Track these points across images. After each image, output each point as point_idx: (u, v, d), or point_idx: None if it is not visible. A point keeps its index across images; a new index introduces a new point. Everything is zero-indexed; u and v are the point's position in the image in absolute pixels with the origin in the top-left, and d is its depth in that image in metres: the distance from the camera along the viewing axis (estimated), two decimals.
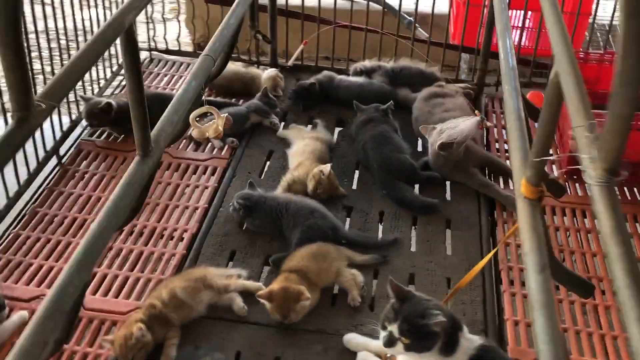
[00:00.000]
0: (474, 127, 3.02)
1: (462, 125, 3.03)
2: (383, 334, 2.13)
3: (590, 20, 4.06)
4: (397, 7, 4.14)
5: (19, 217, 2.92)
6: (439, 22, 4.14)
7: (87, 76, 3.46)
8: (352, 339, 2.39)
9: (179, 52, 4.16)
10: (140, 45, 3.73)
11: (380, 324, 2.18)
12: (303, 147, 3.24)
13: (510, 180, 3.19)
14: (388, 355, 2.27)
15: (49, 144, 3.17)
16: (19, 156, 2.65)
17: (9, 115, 2.59)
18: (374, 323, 2.44)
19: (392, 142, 3.26)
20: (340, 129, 3.64)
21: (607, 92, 1.36)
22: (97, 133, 3.45)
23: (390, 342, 2.09)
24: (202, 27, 4.58)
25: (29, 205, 2.98)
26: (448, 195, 3.17)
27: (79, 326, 2.42)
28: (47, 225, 2.88)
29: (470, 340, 2.16)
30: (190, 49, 4.77)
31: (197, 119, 2.93)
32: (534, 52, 4.04)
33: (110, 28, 1.95)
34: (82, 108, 3.39)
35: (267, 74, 3.81)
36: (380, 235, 2.91)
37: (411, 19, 4.32)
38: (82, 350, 2.34)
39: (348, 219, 2.99)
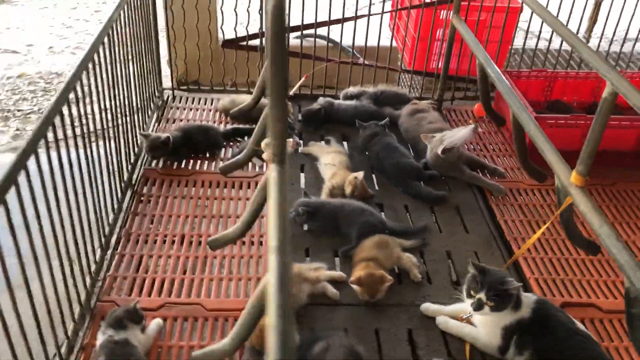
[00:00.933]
0: (471, 134, 3.17)
1: (460, 133, 3.17)
2: (470, 301, 2.22)
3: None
4: (347, 44, 4.26)
5: (117, 240, 2.75)
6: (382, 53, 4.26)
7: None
8: (428, 307, 2.46)
9: (198, 90, 4.01)
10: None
11: (466, 293, 2.27)
12: (332, 160, 3.25)
13: (486, 171, 3.38)
14: (463, 316, 2.37)
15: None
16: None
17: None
18: (434, 294, 2.56)
19: (399, 150, 3.35)
20: (345, 142, 3.68)
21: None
22: (155, 162, 3.30)
23: (479, 306, 2.18)
24: (182, 66, 4.36)
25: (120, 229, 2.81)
26: (448, 188, 3.30)
27: (204, 324, 2.34)
28: (142, 244, 2.73)
29: (528, 296, 2.30)
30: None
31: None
32: (468, 72, 4.26)
33: None
34: (143, 143, 3.23)
35: None
36: (411, 224, 2.99)
37: (355, 51, 4.42)
38: (206, 342, 2.26)
39: (382, 214, 3.04)
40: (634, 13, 4.44)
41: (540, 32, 4.29)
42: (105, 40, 2.52)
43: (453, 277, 2.69)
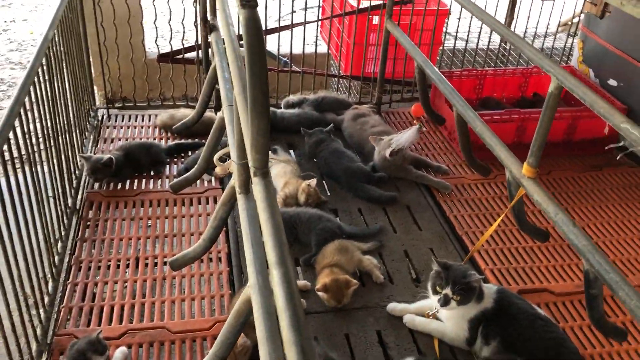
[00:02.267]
0: (417, 134, 3.25)
1: (406, 134, 3.24)
2: (437, 297, 2.27)
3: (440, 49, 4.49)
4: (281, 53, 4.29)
5: (67, 269, 2.61)
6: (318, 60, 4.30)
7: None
8: (394, 307, 2.49)
9: (134, 107, 3.88)
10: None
11: (432, 290, 2.32)
12: (282, 170, 3.24)
13: (430, 170, 3.48)
14: (429, 313, 2.42)
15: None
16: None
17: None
18: (398, 293, 2.60)
19: (347, 155, 3.39)
20: (292, 151, 3.68)
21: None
22: (98, 185, 3.16)
23: (446, 302, 2.24)
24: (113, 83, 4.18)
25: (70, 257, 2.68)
26: (397, 189, 3.36)
27: (171, 348, 2.27)
28: (94, 270, 2.61)
29: (489, 287, 2.38)
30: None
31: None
32: (403, 75, 4.37)
33: None
34: (84, 166, 3.09)
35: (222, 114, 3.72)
36: (367, 226, 3.03)
37: (287, 60, 4.44)
38: None
39: (338, 219, 3.06)
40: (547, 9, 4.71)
41: (468, 32, 4.47)
42: (44, 60, 2.39)
43: (413, 275, 2.75)
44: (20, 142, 2.21)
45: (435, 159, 3.64)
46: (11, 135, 2.00)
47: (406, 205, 3.21)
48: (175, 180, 2.83)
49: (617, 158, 2.71)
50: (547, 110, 2.07)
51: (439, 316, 2.40)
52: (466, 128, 2.88)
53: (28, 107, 2.22)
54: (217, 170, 2.81)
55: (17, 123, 2.05)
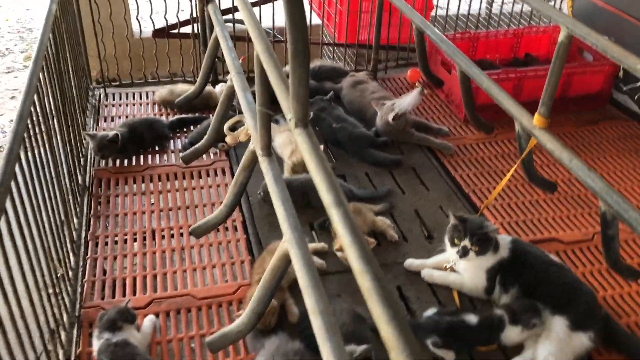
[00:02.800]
0: (419, 98, 3.28)
1: (408, 98, 3.27)
2: (455, 249, 2.34)
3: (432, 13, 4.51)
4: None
5: (84, 245, 2.62)
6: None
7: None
8: (412, 263, 2.55)
9: (131, 84, 3.85)
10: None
11: (450, 242, 2.38)
12: (287, 139, 3.26)
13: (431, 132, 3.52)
14: (446, 266, 2.48)
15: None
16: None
17: None
18: (412, 251, 2.66)
19: (349, 121, 3.41)
20: None
21: None
22: (104, 162, 3.16)
23: (465, 252, 2.31)
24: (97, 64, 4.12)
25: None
26: (401, 152, 3.41)
27: (198, 314, 2.31)
28: (112, 244, 2.62)
29: (503, 238, 2.45)
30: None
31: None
32: (398, 40, 4.39)
33: None
34: (89, 144, 3.08)
35: (221, 88, 3.72)
36: (375, 189, 3.07)
37: (275, 32, 4.42)
38: (205, 331, 2.24)
39: (346, 184, 3.10)
40: None
41: None
42: (50, 36, 2.37)
43: (425, 233, 2.81)
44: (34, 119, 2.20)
45: (434, 122, 3.68)
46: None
47: (411, 167, 3.26)
48: (186, 152, 2.83)
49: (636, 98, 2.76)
50: (557, 60, 2.12)
51: (457, 269, 2.46)
52: (470, 86, 2.93)
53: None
54: (228, 139, 2.83)
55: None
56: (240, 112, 2.71)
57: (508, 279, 2.35)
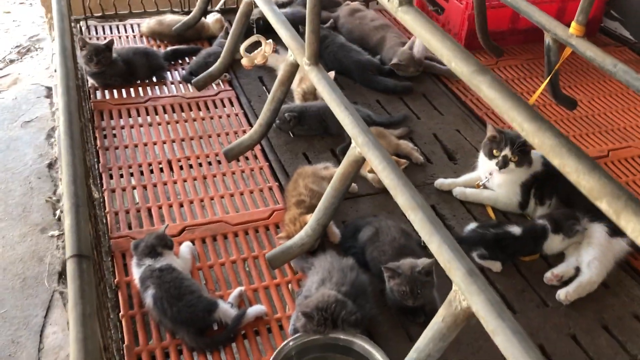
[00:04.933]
0: None
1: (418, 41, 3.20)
2: (494, 161, 2.33)
3: None
4: None
5: (97, 178, 2.47)
6: None
7: None
8: (443, 182, 2.54)
9: (115, 15, 3.60)
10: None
11: (488, 155, 2.37)
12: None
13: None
14: (480, 183, 2.49)
15: None
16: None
17: None
18: (438, 171, 2.65)
19: (354, 49, 3.33)
20: None
21: None
22: (100, 95, 2.96)
23: (505, 163, 2.31)
24: None
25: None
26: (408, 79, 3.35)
27: (236, 239, 2.23)
28: (127, 176, 2.48)
29: (535, 153, 2.47)
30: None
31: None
32: None
33: None
34: (82, 52, 2.88)
35: (213, 18, 3.55)
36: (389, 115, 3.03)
37: None
38: (246, 255, 2.17)
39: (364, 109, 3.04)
40: None
41: None
42: None
43: (446, 155, 2.80)
44: None
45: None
46: None
47: (422, 93, 3.22)
48: (198, 77, 2.68)
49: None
50: None
51: (489, 185, 2.47)
52: (484, 6, 2.89)
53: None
54: (244, 61, 2.71)
55: None
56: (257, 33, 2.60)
57: (544, 192, 2.38)
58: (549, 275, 2.14)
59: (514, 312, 2.04)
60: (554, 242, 2.22)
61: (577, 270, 2.15)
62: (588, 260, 2.15)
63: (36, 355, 2.21)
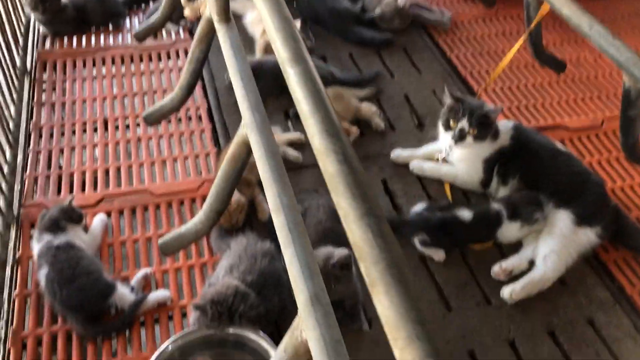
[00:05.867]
0: None
1: None
2: (450, 133, 2.06)
3: None
4: None
5: (26, 136, 2.32)
6: None
7: None
8: (400, 154, 2.29)
9: None
10: None
11: (444, 126, 2.10)
12: (259, 15, 2.87)
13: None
14: (439, 156, 2.22)
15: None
16: None
17: None
18: (401, 140, 2.39)
19: None
20: None
21: None
22: (49, 43, 2.78)
23: (461, 136, 2.03)
24: None
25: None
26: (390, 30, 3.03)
27: (157, 212, 2.06)
28: (58, 136, 2.32)
29: (504, 124, 2.18)
30: None
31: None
32: None
33: None
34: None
35: None
36: (360, 72, 2.74)
37: None
38: (163, 231, 1.99)
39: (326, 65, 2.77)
40: None
41: None
42: None
43: (415, 120, 2.52)
44: None
45: None
46: None
47: (402, 47, 2.91)
48: (139, 28, 2.46)
49: None
50: None
51: (450, 159, 2.20)
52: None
53: None
54: (187, 12, 2.47)
55: None
56: None
57: (508, 170, 2.10)
58: (496, 269, 1.90)
59: (449, 309, 1.83)
60: (509, 230, 1.97)
61: (532, 264, 1.90)
62: (545, 253, 1.90)
63: None
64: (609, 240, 2.01)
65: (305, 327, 1.00)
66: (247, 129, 1.37)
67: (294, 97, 0.87)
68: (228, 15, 1.67)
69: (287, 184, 1.23)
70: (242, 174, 1.56)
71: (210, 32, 1.83)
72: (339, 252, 1.68)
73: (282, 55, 0.92)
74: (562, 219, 1.95)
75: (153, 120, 2.02)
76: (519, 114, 2.53)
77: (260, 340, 1.59)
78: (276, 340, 1.59)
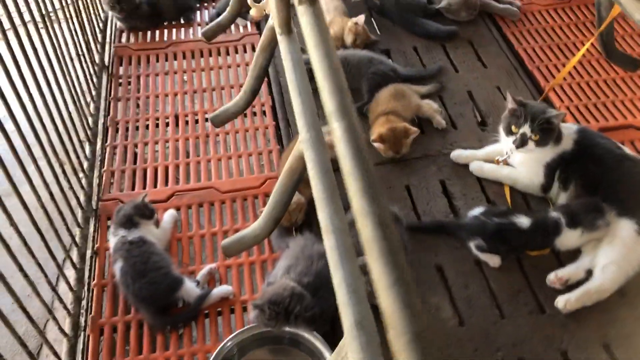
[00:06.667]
0: None
1: None
2: (512, 138, 2.05)
3: None
4: None
5: (104, 131, 2.48)
6: None
7: None
8: (460, 154, 2.29)
9: None
10: None
11: (505, 130, 2.09)
12: (325, 7, 2.90)
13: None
14: (499, 159, 2.20)
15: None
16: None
17: None
18: (462, 139, 2.38)
19: None
20: None
21: None
22: (125, 38, 2.93)
23: (523, 142, 2.02)
24: None
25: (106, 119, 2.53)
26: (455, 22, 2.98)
27: (222, 208, 2.17)
28: (133, 131, 2.47)
29: (568, 127, 2.13)
30: None
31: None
32: None
33: None
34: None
35: None
36: (424, 67, 2.73)
37: None
38: (228, 227, 2.10)
39: (391, 60, 2.77)
40: None
41: None
42: None
43: (478, 118, 2.50)
44: None
45: None
46: None
47: (468, 40, 2.86)
48: (207, 26, 2.55)
49: None
50: None
51: (511, 162, 2.18)
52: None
53: None
54: (253, 12, 2.52)
55: None
56: None
57: (570, 175, 2.06)
58: (552, 278, 1.90)
59: (502, 316, 1.85)
60: (569, 238, 1.94)
61: (590, 273, 1.88)
62: (604, 264, 1.86)
63: None
64: None
65: (350, 351, 1.06)
66: (304, 145, 1.42)
67: (337, 150, 0.92)
68: (290, 27, 1.71)
69: (339, 205, 1.28)
70: (301, 182, 1.63)
71: (274, 41, 1.88)
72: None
73: (328, 107, 0.97)
74: (624, 228, 1.90)
75: (219, 122, 2.12)
76: (587, 112, 2.46)
77: (315, 340, 1.68)
78: (329, 340, 1.68)
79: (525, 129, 1.99)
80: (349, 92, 0.99)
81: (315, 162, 1.36)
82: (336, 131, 0.91)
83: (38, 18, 2.04)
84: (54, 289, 1.69)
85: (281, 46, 1.73)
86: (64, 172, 1.92)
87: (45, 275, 1.66)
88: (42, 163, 1.83)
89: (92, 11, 2.73)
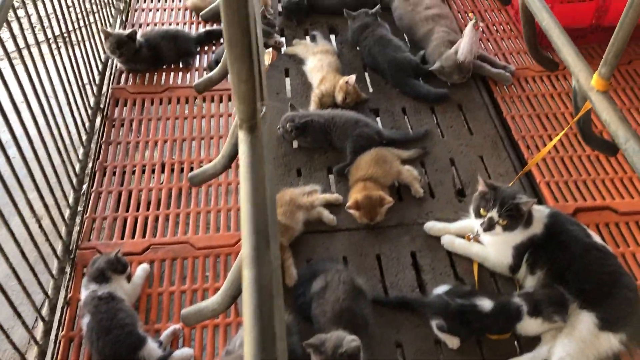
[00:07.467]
0: (476, 34, 2.81)
1: (465, 39, 2.80)
2: (480, 221, 2.07)
3: None
4: None
5: (91, 175, 2.55)
6: None
7: None
8: (433, 226, 2.31)
9: None
10: None
11: (474, 212, 2.11)
12: (319, 63, 2.95)
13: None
14: (470, 236, 2.23)
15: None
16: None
17: None
18: (438, 209, 2.40)
19: (393, 44, 3.04)
20: (333, 36, 3.35)
21: None
22: (124, 79, 3.00)
23: (490, 226, 2.04)
24: None
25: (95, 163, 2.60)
26: (448, 84, 3.02)
27: (194, 264, 2.22)
28: (119, 176, 2.53)
29: (540, 210, 2.14)
30: None
31: None
32: None
33: None
34: (106, 43, 2.91)
35: None
36: (410, 129, 2.77)
37: None
38: (197, 286, 2.15)
39: (378, 119, 2.81)
40: None
41: None
42: None
43: (458, 185, 2.53)
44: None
45: (496, 44, 3.22)
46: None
47: (457, 103, 2.90)
48: (199, 80, 2.61)
49: None
50: (630, 9, 1.67)
51: (481, 240, 2.21)
52: (531, 16, 2.46)
53: None
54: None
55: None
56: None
57: (538, 259, 2.08)
58: None
59: None
60: (529, 325, 1.96)
61: None
62: (560, 356, 1.88)
63: None
64: (636, 347, 1.95)
65: None
66: (243, 262, 1.42)
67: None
68: (254, 122, 1.70)
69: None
70: None
71: None
72: (348, 342, 1.75)
73: (243, 251, 0.99)
74: (584, 321, 1.91)
75: (197, 182, 2.16)
76: (566, 189, 2.46)
77: None
78: None
79: (493, 213, 2.01)
80: (271, 229, 1.02)
81: (253, 280, 1.37)
82: (244, 280, 0.95)
83: (31, 67, 2.11)
84: (15, 347, 1.74)
85: (240, 146, 1.71)
86: (40, 227, 1.98)
87: (8, 337, 1.71)
88: (26, 212, 1.90)
89: (91, 53, 2.81)
